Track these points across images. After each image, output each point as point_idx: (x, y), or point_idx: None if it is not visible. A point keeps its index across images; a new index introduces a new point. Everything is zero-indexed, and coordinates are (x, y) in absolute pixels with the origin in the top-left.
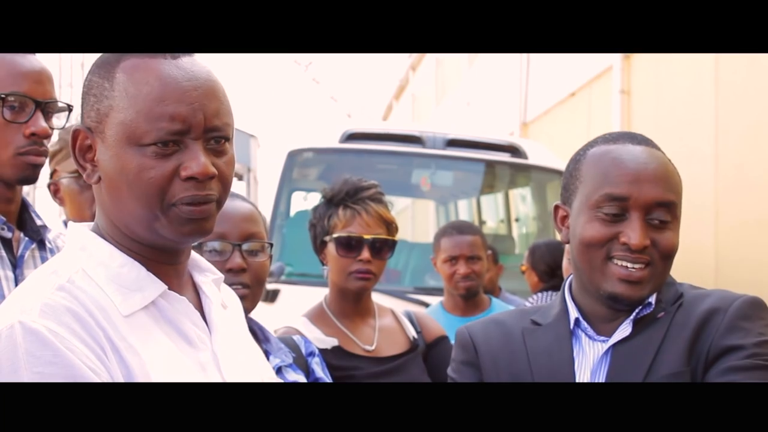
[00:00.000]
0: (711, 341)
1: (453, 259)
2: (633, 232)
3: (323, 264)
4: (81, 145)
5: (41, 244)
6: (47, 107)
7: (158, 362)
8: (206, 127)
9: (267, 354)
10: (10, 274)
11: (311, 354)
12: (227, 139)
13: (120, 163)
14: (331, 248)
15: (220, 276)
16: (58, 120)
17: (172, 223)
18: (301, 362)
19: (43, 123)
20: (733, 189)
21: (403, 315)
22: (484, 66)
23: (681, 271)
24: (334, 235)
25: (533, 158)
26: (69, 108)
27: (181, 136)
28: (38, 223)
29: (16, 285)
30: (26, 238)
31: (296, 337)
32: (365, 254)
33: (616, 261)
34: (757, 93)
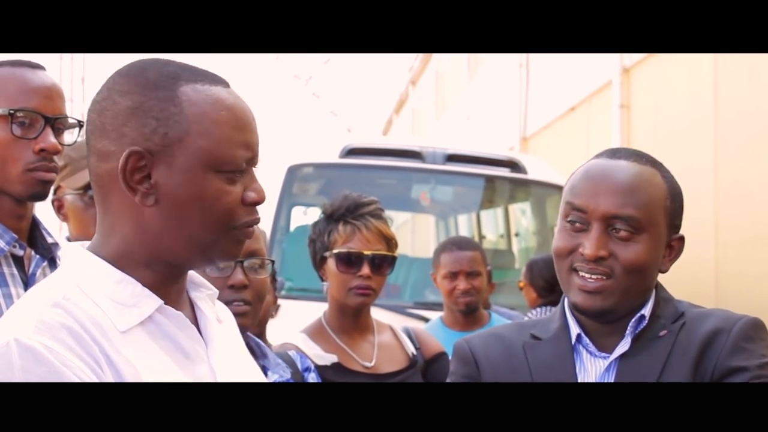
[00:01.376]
0: (716, 362)
1: (453, 275)
2: (588, 243)
3: (323, 280)
4: (133, 167)
5: (52, 262)
6: (57, 123)
7: (155, 377)
8: (258, 155)
9: (265, 370)
10: (22, 292)
11: (307, 369)
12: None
13: (196, 188)
14: (331, 264)
15: (215, 291)
16: (69, 136)
17: (229, 245)
18: (298, 378)
19: (52, 139)
20: (733, 203)
21: (401, 331)
22: (484, 80)
23: (681, 285)
24: (335, 251)
25: (533, 173)
26: (80, 124)
27: (248, 163)
28: (49, 240)
29: None
30: (37, 256)
31: (292, 353)
32: (365, 270)
33: (578, 272)
34: (756, 108)
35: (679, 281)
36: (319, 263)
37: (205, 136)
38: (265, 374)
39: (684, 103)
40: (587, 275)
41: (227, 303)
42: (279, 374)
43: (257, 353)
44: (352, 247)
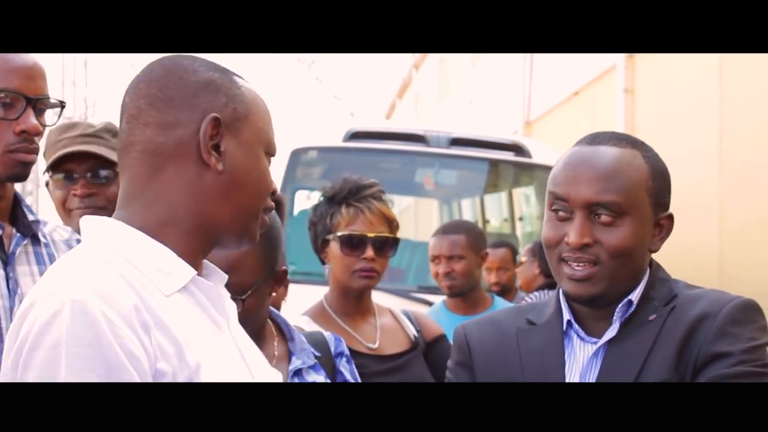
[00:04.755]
0: (700, 348)
1: (436, 259)
2: (572, 231)
3: (323, 263)
4: (211, 133)
5: (35, 240)
6: (38, 104)
7: (200, 341)
8: None
9: (290, 354)
10: (1, 272)
11: (340, 354)
12: None
13: (254, 162)
14: (334, 247)
15: (225, 276)
16: (50, 116)
17: (257, 227)
18: (328, 362)
19: (33, 120)
20: (737, 188)
21: (401, 314)
22: (488, 64)
23: (685, 270)
24: (338, 234)
25: (537, 157)
26: (61, 104)
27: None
28: (30, 218)
29: (8, 282)
30: (18, 234)
31: (327, 335)
32: (369, 252)
33: (566, 261)
34: (760, 92)
35: (682, 266)
36: (321, 246)
37: (261, 119)
38: (289, 359)
39: (688, 88)
40: (574, 264)
41: None
42: (302, 360)
43: (286, 336)
44: (355, 229)
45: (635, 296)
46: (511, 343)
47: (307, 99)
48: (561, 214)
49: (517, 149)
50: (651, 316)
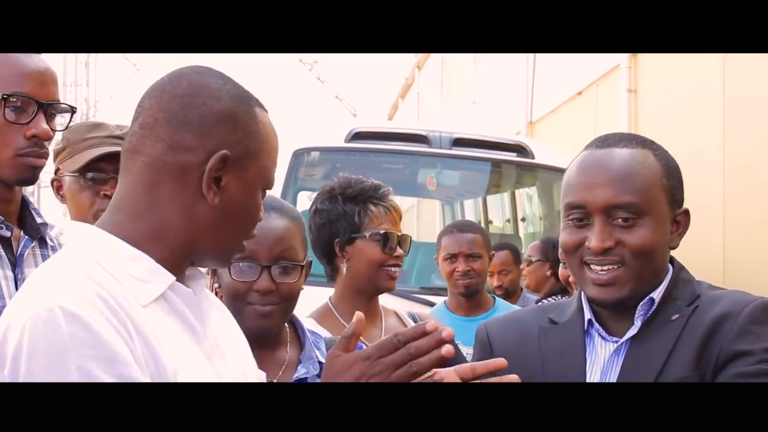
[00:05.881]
0: (721, 346)
1: (452, 257)
2: (593, 236)
3: (334, 262)
4: (217, 167)
5: (42, 242)
6: (50, 108)
7: (177, 350)
8: None
9: (299, 363)
10: (10, 273)
11: None
12: None
13: (250, 199)
14: (364, 245)
15: (206, 276)
16: (61, 121)
17: (239, 252)
18: None
19: (44, 125)
20: (741, 188)
21: (407, 316)
22: (491, 65)
23: (689, 269)
24: (377, 231)
25: (540, 157)
26: (72, 110)
27: None
28: (38, 220)
29: (16, 284)
30: (26, 237)
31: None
32: (400, 251)
33: (589, 265)
34: (764, 92)
35: (686, 265)
36: (341, 245)
37: (269, 158)
38: (296, 367)
39: (692, 87)
40: (598, 267)
41: (251, 304)
42: (306, 369)
43: (301, 341)
44: (386, 228)
45: (657, 295)
46: (533, 342)
47: (310, 99)
48: (580, 221)
49: (520, 150)
50: (674, 316)
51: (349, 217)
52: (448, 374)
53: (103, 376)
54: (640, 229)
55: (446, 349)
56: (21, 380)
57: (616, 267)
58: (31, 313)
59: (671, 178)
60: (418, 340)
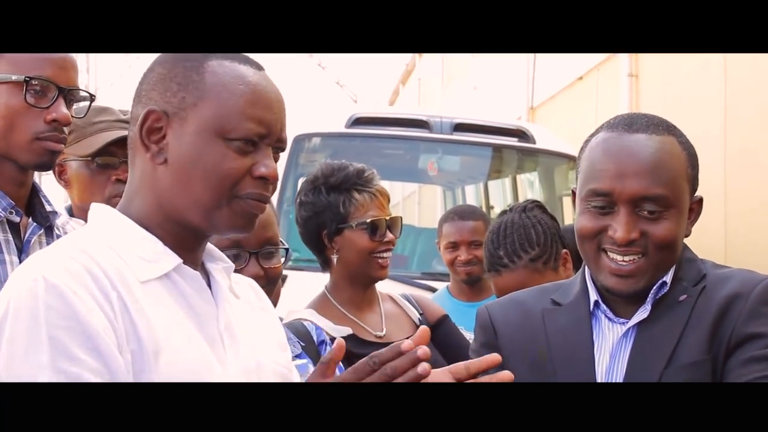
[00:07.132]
0: (733, 328)
1: (454, 245)
2: (619, 227)
3: (326, 253)
4: (150, 126)
5: (49, 230)
6: (69, 94)
7: (167, 329)
8: (279, 137)
9: None
10: (16, 259)
11: (323, 343)
12: (283, 150)
13: (200, 150)
14: (353, 235)
15: (231, 265)
16: (79, 108)
17: (233, 213)
18: (312, 351)
19: (64, 110)
20: (742, 173)
21: (402, 299)
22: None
23: None
24: (363, 220)
25: (541, 143)
26: (91, 97)
27: (261, 139)
28: (48, 208)
29: None
30: (34, 224)
31: (307, 323)
32: (390, 236)
33: (607, 253)
34: (766, 77)
35: None
36: (329, 236)
37: (218, 104)
38: None
39: (693, 72)
40: (619, 257)
41: None
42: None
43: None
44: (373, 214)
45: (668, 277)
46: (537, 323)
47: (310, 85)
48: (600, 207)
49: (521, 135)
50: (681, 297)
51: (334, 208)
52: (443, 374)
53: (73, 347)
54: (665, 222)
55: (422, 368)
56: (3, 344)
57: (638, 258)
58: (21, 281)
59: (694, 167)
60: (394, 361)
